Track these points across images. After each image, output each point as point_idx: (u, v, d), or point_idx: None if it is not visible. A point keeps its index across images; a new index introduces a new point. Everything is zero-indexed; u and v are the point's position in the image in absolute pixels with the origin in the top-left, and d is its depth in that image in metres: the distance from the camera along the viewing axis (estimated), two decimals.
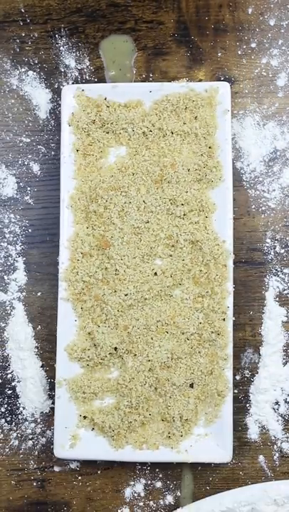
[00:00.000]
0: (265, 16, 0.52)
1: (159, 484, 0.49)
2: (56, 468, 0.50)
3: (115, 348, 0.48)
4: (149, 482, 0.49)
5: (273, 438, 0.49)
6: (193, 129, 0.48)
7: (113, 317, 0.48)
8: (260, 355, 0.50)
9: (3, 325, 0.51)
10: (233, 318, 0.48)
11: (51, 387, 0.50)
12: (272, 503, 0.46)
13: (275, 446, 0.49)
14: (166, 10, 0.52)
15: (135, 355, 0.48)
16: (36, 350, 0.51)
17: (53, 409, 0.49)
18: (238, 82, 0.52)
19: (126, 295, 0.47)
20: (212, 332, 0.47)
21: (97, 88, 0.50)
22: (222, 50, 0.52)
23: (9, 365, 0.51)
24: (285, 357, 0.50)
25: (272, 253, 0.50)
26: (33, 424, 0.50)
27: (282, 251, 0.50)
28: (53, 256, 0.50)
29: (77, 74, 0.52)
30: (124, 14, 0.52)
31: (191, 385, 0.48)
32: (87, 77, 0.52)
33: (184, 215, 0.48)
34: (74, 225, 0.49)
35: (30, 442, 0.50)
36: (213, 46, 0.52)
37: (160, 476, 0.49)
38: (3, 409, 0.50)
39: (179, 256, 0.48)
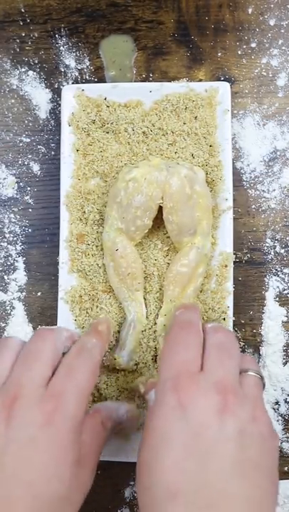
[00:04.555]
0: (265, 16, 0.52)
1: None
2: None
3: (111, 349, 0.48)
4: None
5: None
6: (194, 129, 0.48)
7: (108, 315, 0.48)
8: (260, 355, 0.50)
9: (3, 325, 0.51)
10: (233, 318, 0.48)
11: None
12: None
13: None
14: (166, 10, 0.52)
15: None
16: None
17: None
18: (238, 82, 0.52)
19: None
20: None
21: (97, 88, 0.50)
22: (222, 50, 0.52)
23: None
24: (285, 357, 0.50)
25: (272, 253, 0.50)
26: None
27: (282, 251, 0.50)
28: (53, 256, 0.50)
29: (77, 74, 0.52)
30: (124, 14, 0.53)
31: None
32: (87, 77, 0.52)
33: None
34: (70, 224, 0.49)
35: None
36: (213, 46, 0.52)
37: None
38: None
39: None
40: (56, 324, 0.48)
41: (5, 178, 0.52)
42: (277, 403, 0.49)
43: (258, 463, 0.32)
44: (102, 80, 0.52)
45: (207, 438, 0.32)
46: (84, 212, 0.49)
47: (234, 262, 0.48)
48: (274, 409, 0.49)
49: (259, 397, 0.36)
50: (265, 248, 0.51)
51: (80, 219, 0.49)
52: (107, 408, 0.42)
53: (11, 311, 0.51)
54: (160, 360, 0.37)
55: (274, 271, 0.50)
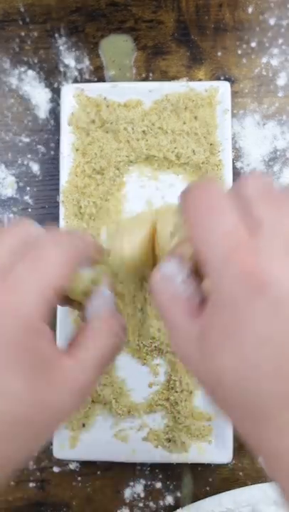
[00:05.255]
0: (266, 16, 0.52)
1: (159, 485, 0.49)
2: (56, 469, 0.50)
3: None
4: (149, 483, 0.49)
5: None
6: (193, 129, 0.48)
7: None
8: None
9: None
10: None
11: None
12: (272, 503, 0.46)
13: None
14: (166, 9, 0.52)
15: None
16: None
17: None
18: (238, 82, 0.51)
19: (123, 294, 0.47)
20: None
21: (97, 88, 0.50)
22: (222, 49, 0.52)
23: None
24: None
25: None
26: None
27: None
28: None
29: (76, 73, 0.52)
30: (123, 13, 0.52)
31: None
32: (87, 77, 0.52)
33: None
34: (65, 222, 0.48)
35: None
36: (213, 46, 0.52)
37: (160, 476, 0.49)
38: None
39: None
40: (56, 324, 0.48)
41: (4, 178, 0.52)
42: None
43: None
44: (101, 79, 0.52)
45: None
46: (80, 207, 0.49)
47: None
48: None
49: None
50: None
51: (76, 214, 0.49)
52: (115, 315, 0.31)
53: None
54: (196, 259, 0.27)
55: None
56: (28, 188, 0.52)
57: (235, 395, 0.24)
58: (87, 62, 0.52)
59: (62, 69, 0.52)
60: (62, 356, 0.27)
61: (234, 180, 0.48)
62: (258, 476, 0.49)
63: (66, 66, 0.52)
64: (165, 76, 0.52)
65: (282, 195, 0.25)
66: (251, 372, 0.23)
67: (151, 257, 0.34)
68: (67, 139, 0.49)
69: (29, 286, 0.26)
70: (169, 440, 0.47)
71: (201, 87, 0.49)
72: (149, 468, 0.49)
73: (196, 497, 0.49)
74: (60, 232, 0.31)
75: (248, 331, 0.23)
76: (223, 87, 0.49)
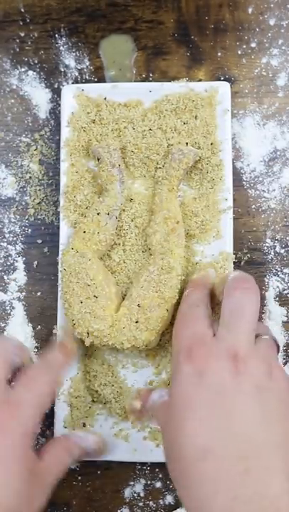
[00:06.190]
0: (266, 16, 0.52)
1: (158, 484, 0.49)
2: None
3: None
4: (149, 482, 0.49)
5: None
6: (194, 129, 0.48)
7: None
8: None
9: (3, 325, 0.51)
10: None
11: None
12: None
13: None
14: (166, 10, 0.52)
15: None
16: (36, 350, 0.51)
17: (52, 409, 0.49)
18: (238, 82, 0.52)
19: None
20: None
21: (97, 88, 0.50)
22: (222, 49, 0.52)
23: None
24: (285, 357, 0.49)
25: (272, 253, 0.50)
26: None
27: (282, 251, 0.50)
28: (53, 256, 0.50)
29: (77, 74, 0.52)
30: (124, 14, 0.52)
31: None
32: (87, 77, 0.52)
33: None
34: (66, 222, 0.48)
35: None
36: (213, 46, 0.52)
37: (160, 476, 0.49)
38: None
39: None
40: (56, 324, 0.48)
41: (5, 178, 0.52)
42: None
43: (282, 414, 0.33)
44: (102, 79, 0.52)
45: (227, 397, 0.33)
46: (80, 206, 0.49)
47: (234, 262, 0.48)
48: None
49: (274, 358, 0.37)
50: (265, 248, 0.50)
51: (75, 211, 0.49)
52: (76, 436, 0.44)
53: (11, 311, 0.51)
54: (173, 337, 0.39)
55: (274, 271, 0.50)
56: (28, 188, 0.52)
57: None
58: (87, 62, 0.52)
59: (62, 69, 0.53)
60: (38, 461, 0.39)
61: (234, 180, 0.48)
62: None
63: (66, 66, 0.52)
64: (165, 76, 0.52)
65: (245, 314, 0.36)
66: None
67: None
68: (68, 139, 0.49)
69: (28, 407, 0.39)
70: None
71: (201, 87, 0.49)
72: (149, 468, 0.49)
73: None
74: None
75: (181, 397, 0.35)
76: (223, 88, 0.49)
